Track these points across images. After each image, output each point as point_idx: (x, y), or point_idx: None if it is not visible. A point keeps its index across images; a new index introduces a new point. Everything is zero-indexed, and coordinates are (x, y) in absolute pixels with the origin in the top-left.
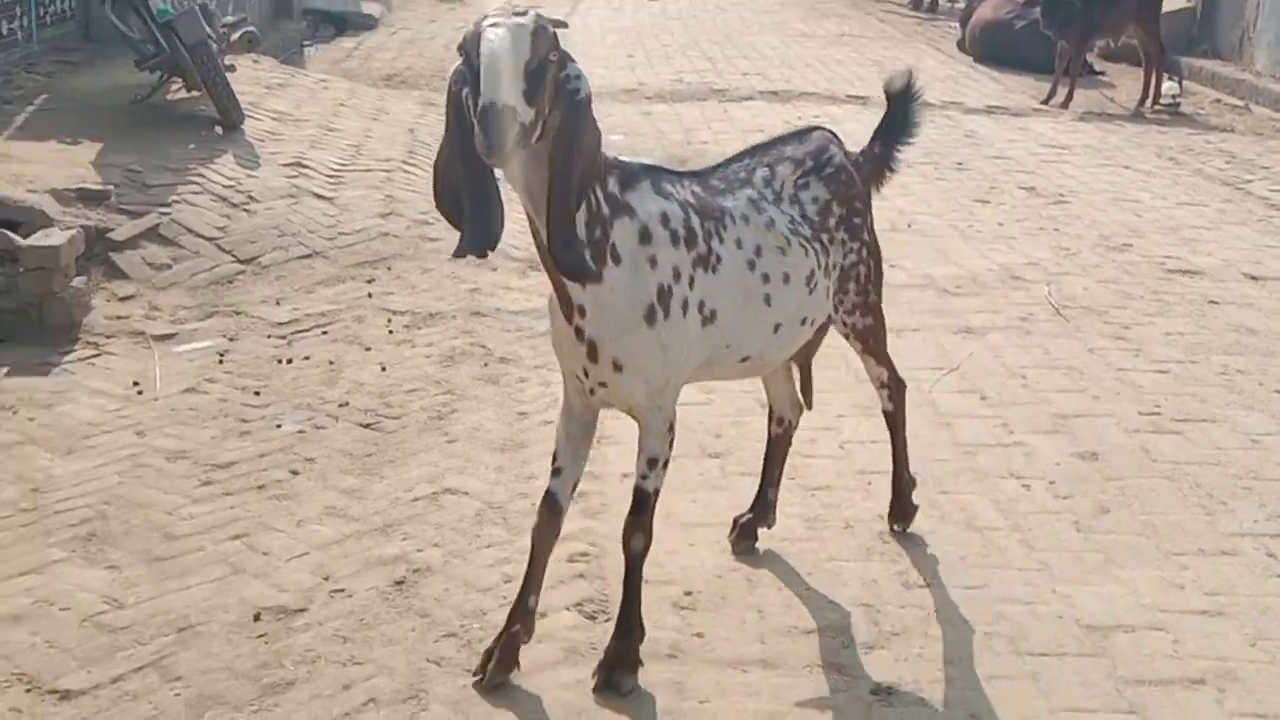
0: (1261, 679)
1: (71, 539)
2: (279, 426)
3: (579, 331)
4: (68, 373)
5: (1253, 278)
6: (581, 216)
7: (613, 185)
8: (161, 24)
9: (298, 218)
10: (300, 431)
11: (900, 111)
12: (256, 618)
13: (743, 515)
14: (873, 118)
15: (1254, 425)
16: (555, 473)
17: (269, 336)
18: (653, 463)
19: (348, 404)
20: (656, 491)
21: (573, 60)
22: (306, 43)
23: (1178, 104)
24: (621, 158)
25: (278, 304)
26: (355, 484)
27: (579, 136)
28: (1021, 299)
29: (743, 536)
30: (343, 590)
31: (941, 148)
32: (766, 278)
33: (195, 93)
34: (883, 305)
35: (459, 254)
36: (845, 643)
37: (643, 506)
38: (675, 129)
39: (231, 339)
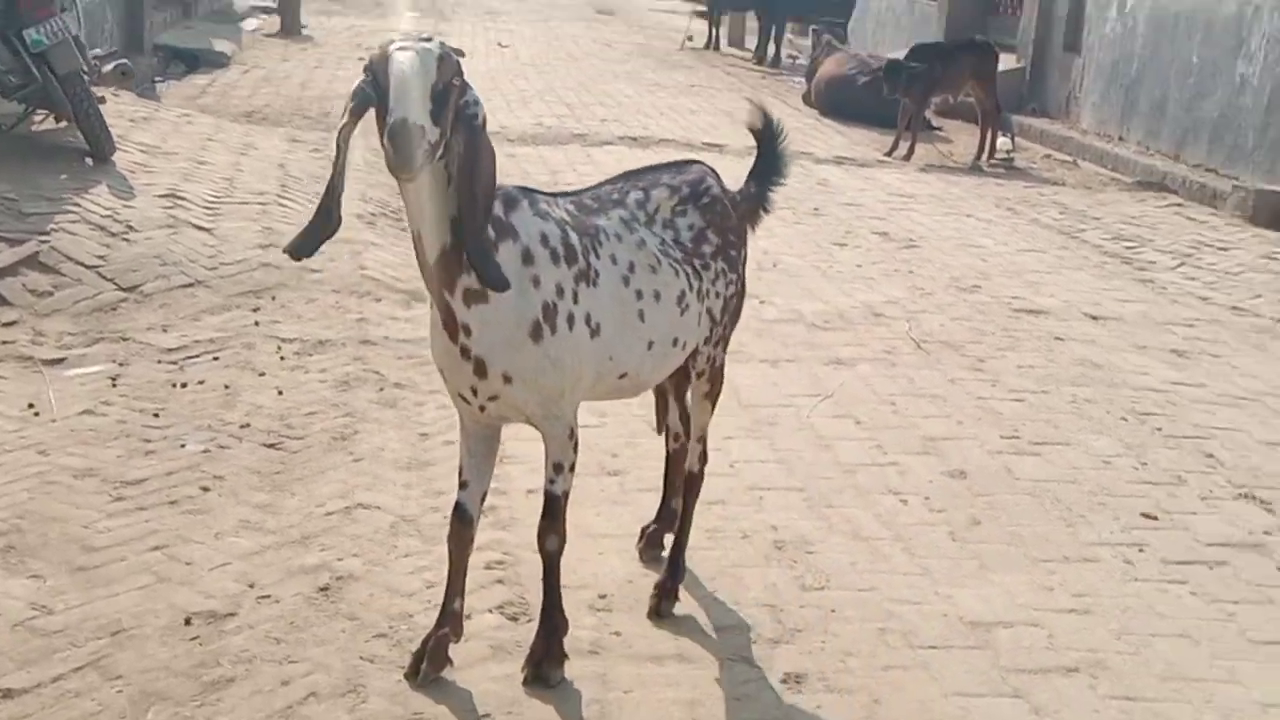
0: (1128, 668)
1: None
2: (183, 446)
3: (465, 350)
4: None
5: (1093, 317)
6: (446, 224)
7: (497, 208)
8: (34, 54)
9: (178, 247)
10: (205, 451)
11: (768, 152)
12: (188, 621)
13: (649, 525)
14: (730, 164)
15: (1104, 448)
16: (462, 485)
17: (159, 362)
18: (558, 467)
19: (249, 425)
20: (565, 494)
21: (471, 87)
22: (158, 79)
23: (1012, 159)
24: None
25: (164, 331)
26: (267, 499)
27: (480, 158)
28: (884, 334)
29: (650, 545)
30: (269, 596)
31: (798, 194)
32: (640, 294)
33: (62, 124)
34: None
35: (289, 250)
36: (753, 638)
37: (553, 509)
38: (540, 170)
39: (122, 364)
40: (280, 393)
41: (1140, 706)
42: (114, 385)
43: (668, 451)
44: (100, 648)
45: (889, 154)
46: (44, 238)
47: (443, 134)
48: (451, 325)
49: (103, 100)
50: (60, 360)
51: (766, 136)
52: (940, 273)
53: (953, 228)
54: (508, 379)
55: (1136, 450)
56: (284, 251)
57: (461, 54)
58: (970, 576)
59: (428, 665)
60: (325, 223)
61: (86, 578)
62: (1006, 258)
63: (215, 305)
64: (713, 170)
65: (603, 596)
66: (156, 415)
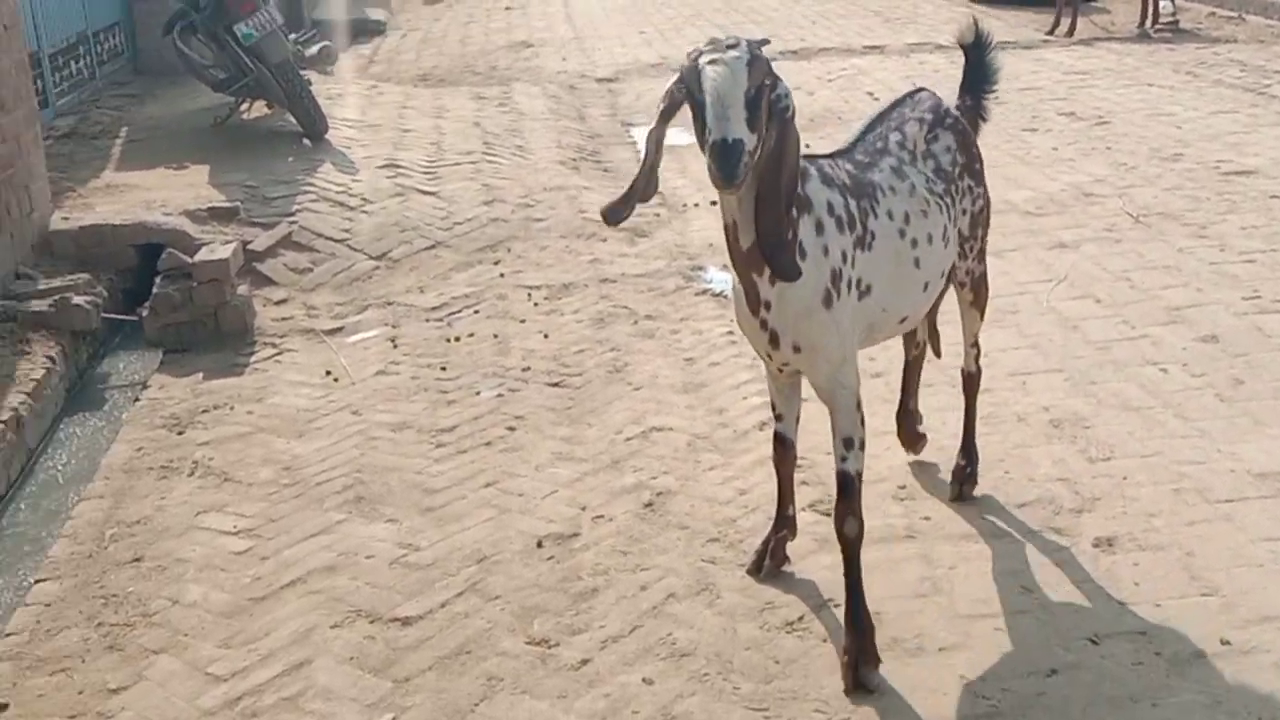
0: None
1: (343, 503)
2: (478, 394)
3: (764, 323)
4: (260, 370)
5: None
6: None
7: (799, 185)
8: (246, 48)
9: (412, 213)
10: (499, 395)
11: (979, 61)
12: (539, 544)
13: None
14: (894, 64)
15: None
16: (778, 418)
17: (428, 320)
18: (849, 443)
19: (530, 368)
20: (859, 474)
21: (780, 79)
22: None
23: (1177, 21)
24: None
25: (421, 292)
26: (569, 432)
27: (787, 150)
28: (1100, 212)
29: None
30: (603, 516)
31: None
32: (915, 243)
33: (269, 110)
34: None
35: (604, 217)
36: (1056, 510)
37: (848, 490)
38: None
39: (395, 326)
40: (546, 336)
41: None
42: (395, 346)
43: (907, 359)
44: (472, 574)
45: (1051, 33)
46: (291, 219)
47: (759, 138)
48: (754, 301)
49: (310, 83)
50: (339, 329)
51: (976, 47)
52: (1139, 145)
53: (1138, 99)
54: (797, 349)
55: None
56: (601, 215)
57: (766, 42)
58: (1247, 432)
59: (770, 562)
60: (640, 193)
61: (436, 516)
62: (1201, 122)
63: (459, 263)
64: (933, 93)
65: (902, 487)
66: (444, 368)
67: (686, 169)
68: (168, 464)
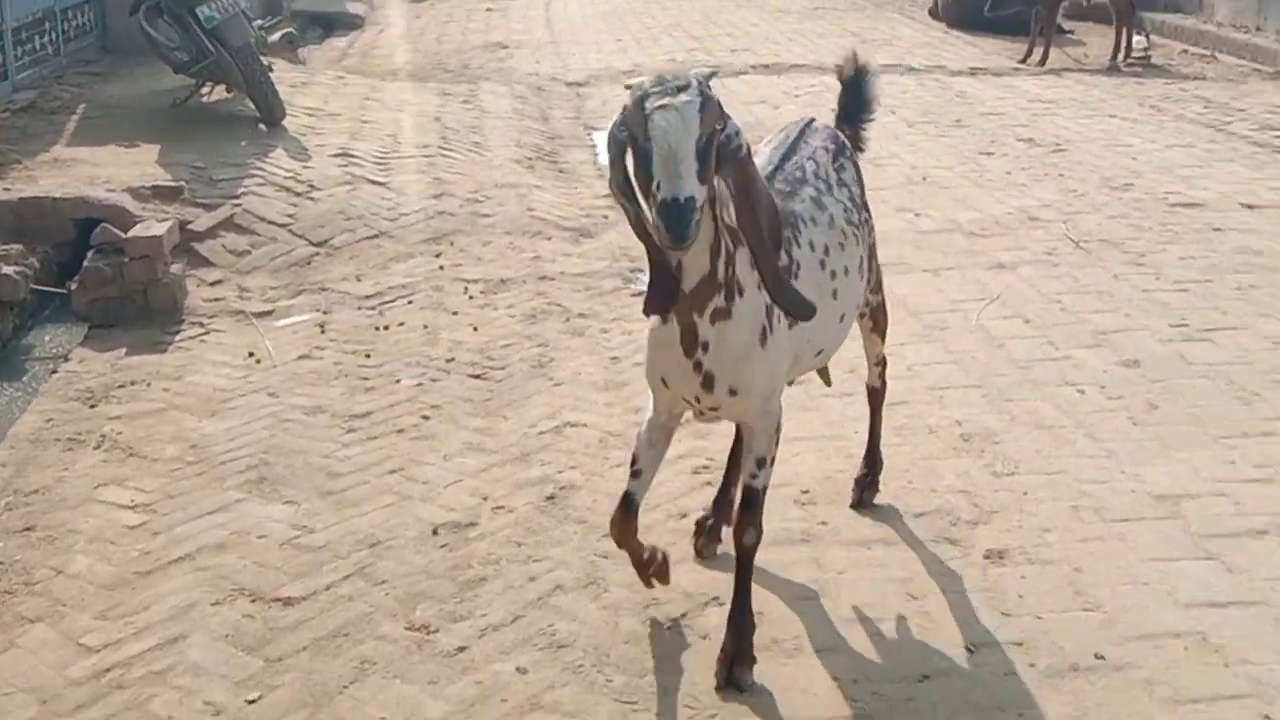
0: None
1: (244, 483)
2: (398, 381)
3: (698, 365)
4: (184, 349)
5: (1249, 206)
6: (706, 253)
7: (727, 215)
8: (208, 30)
9: (358, 202)
10: (419, 384)
11: (859, 92)
12: (435, 532)
13: (705, 517)
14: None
15: (1273, 330)
16: (635, 474)
17: (359, 308)
18: (761, 462)
19: (454, 359)
20: (765, 489)
21: (729, 117)
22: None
23: (1149, 56)
24: None
25: (358, 280)
26: (483, 424)
27: (754, 190)
28: (1042, 236)
29: (709, 539)
30: (503, 507)
31: (937, 108)
32: (834, 274)
33: (231, 94)
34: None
35: (648, 311)
36: (953, 521)
37: (754, 503)
38: None
39: (326, 312)
40: (475, 329)
41: None
42: (323, 332)
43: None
44: (362, 558)
45: (1023, 61)
46: (236, 201)
47: (710, 186)
48: (690, 343)
49: (271, 69)
50: (269, 312)
51: (857, 78)
52: (1091, 174)
53: (1099, 129)
54: (733, 391)
55: None
56: (645, 314)
57: (714, 74)
58: (1154, 455)
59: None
60: (656, 253)
61: (336, 500)
62: (1156, 154)
63: (400, 253)
64: (826, 124)
65: (805, 492)
66: (368, 356)
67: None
68: (75, 436)
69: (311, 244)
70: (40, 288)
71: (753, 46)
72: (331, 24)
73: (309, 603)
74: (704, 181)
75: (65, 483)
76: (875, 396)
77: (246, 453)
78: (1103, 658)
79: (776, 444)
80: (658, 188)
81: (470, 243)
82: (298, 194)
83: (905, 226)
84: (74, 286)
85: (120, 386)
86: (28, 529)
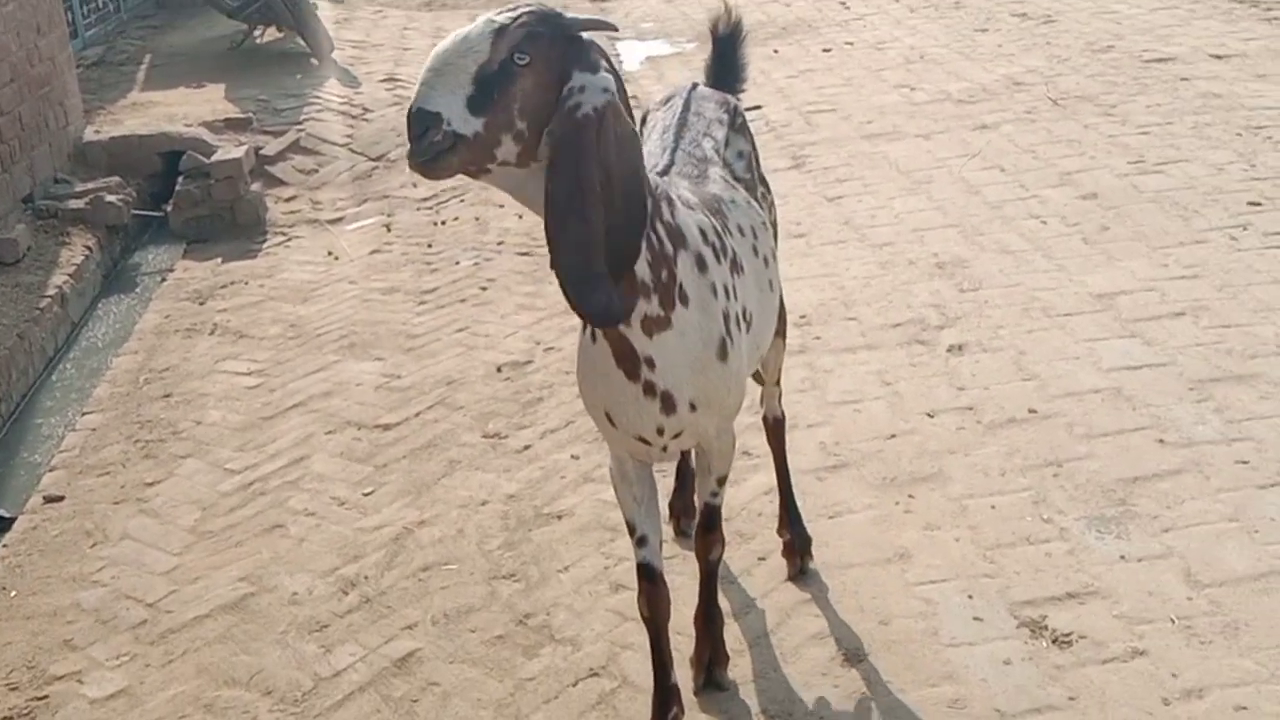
0: (1226, 308)
1: (338, 348)
2: (458, 263)
3: (649, 387)
4: (271, 254)
5: (1217, 57)
6: (645, 258)
7: (668, 213)
8: None
9: None
10: (475, 264)
11: (730, 55)
12: (499, 370)
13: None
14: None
15: (1219, 159)
16: (640, 542)
17: (418, 209)
18: (723, 480)
19: (504, 242)
20: (723, 504)
21: (589, 67)
22: None
23: None
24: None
25: (415, 186)
26: (532, 289)
27: (575, 161)
28: (1024, 98)
29: (685, 516)
30: (553, 348)
31: None
32: (765, 261)
33: (281, 34)
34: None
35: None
36: (923, 328)
37: (714, 520)
38: (697, 9)
39: (389, 215)
40: (520, 217)
41: (1233, 330)
42: (389, 230)
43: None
44: (442, 393)
45: None
46: (299, 127)
47: (500, 128)
48: (629, 361)
49: (316, 7)
50: (340, 219)
51: (729, 39)
52: (1076, 40)
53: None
54: (693, 406)
55: (1248, 157)
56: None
57: (602, 26)
58: (1100, 266)
59: None
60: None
61: (416, 354)
62: (1140, 18)
63: None
64: (713, 89)
65: (803, 316)
66: (430, 245)
67: (663, 76)
68: (191, 327)
69: (370, 159)
70: (140, 212)
71: None
72: None
73: (403, 426)
74: (479, 112)
75: (190, 361)
76: (778, 429)
77: (337, 326)
78: (1035, 411)
79: (731, 460)
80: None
81: None
82: (353, 117)
83: (900, 100)
84: (169, 209)
85: (223, 286)
86: (166, 395)
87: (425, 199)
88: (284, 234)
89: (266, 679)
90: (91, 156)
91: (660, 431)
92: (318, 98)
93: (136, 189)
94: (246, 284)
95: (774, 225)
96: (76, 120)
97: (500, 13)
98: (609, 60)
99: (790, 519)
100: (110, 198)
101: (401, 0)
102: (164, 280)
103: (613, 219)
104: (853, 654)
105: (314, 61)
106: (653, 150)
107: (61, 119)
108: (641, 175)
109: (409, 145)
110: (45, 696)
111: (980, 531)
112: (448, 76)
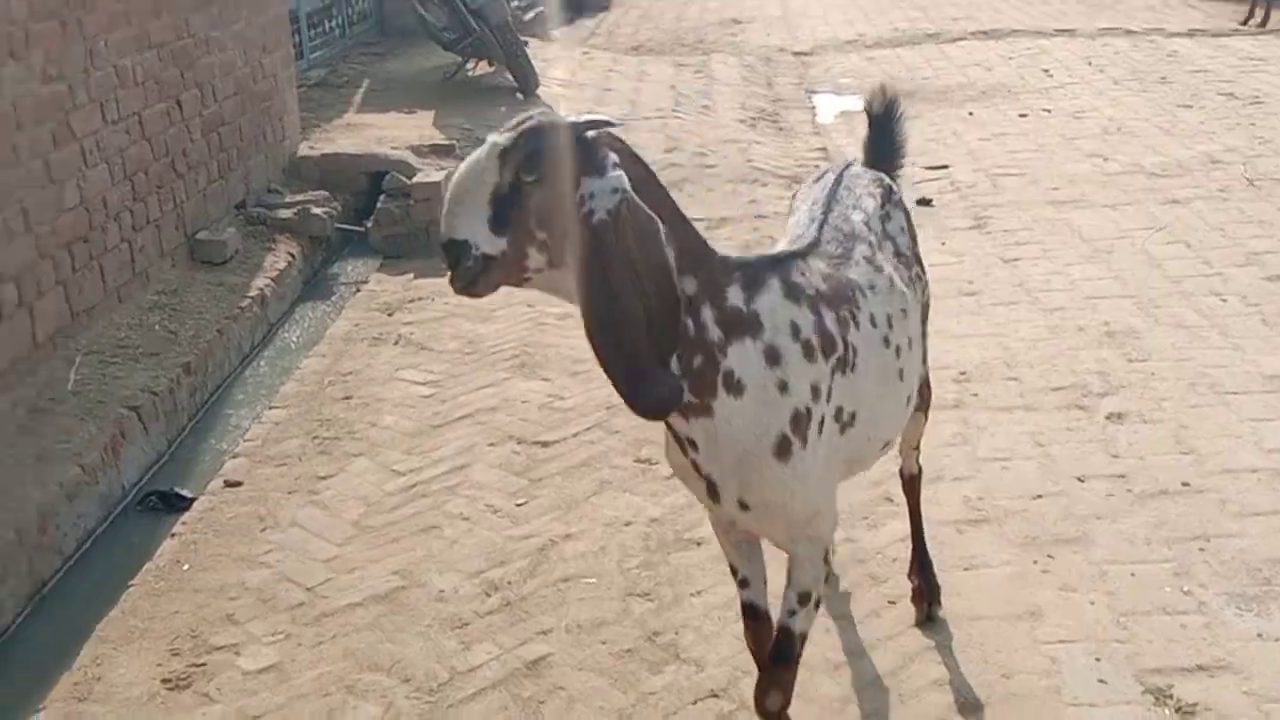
0: None
1: (509, 366)
2: None
3: (695, 466)
4: None
5: None
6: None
7: (734, 296)
8: (472, 10)
9: None
10: None
11: (889, 133)
12: None
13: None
14: (1078, 45)
15: None
16: (742, 584)
17: None
18: (804, 598)
19: None
20: (804, 636)
21: (596, 171)
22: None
23: None
24: (746, 256)
25: None
26: None
27: (601, 266)
28: (1220, 177)
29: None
30: None
31: (1145, 66)
32: (898, 350)
33: (492, 68)
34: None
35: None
36: (1084, 394)
37: (788, 650)
38: (898, 69)
39: None
40: None
41: None
42: None
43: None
44: (601, 416)
45: (1244, 22)
46: None
47: (524, 242)
48: (677, 437)
49: (526, 44)
50: None
51: (886, 118)
52: None
53: None
54: (744, 506)
55: None
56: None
57: (605, 124)
58: (1277, 349)
59: None
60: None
61: (581, 378)
62: None
63: None
64: (864, 166)
65: (963, 373)
66: None
67: (854, 130)
68: (377, 336)
69: None
70: (342, 226)
71: (974, 14)
72: (581, 6)
73: (561, 445)
74: (501, 232)
75: (372, 367)
76: (913, 484)
77: (510, 346)
78: (1188, 485)
79: (826, 577)
80: None
81: (696, 189)
82: None
83: (1093, 170)
84: (370, 225)
85: (411, 301)
86: (347, 397)
87: None
88: None
89: (406, 667)
90: (304, 170)
91: (715, 505)
92: None
93: (342, 204)
94: (433, 300)
95: (925, 306)
96: (293, 135)
97: (503, 132)
98: (618, 151)
99: (920, 565)
100: (317, 210)
101: (610, 44)
102: (358, 291)
103: (648, 311)
104: (971, 704)
105: (520, 95)
106: (800, 222)
107: (279, 133)
108: (665, 264)
109: (448, 272)
110: (204, 664)
111: (1117, 597)
112: (467, 204)
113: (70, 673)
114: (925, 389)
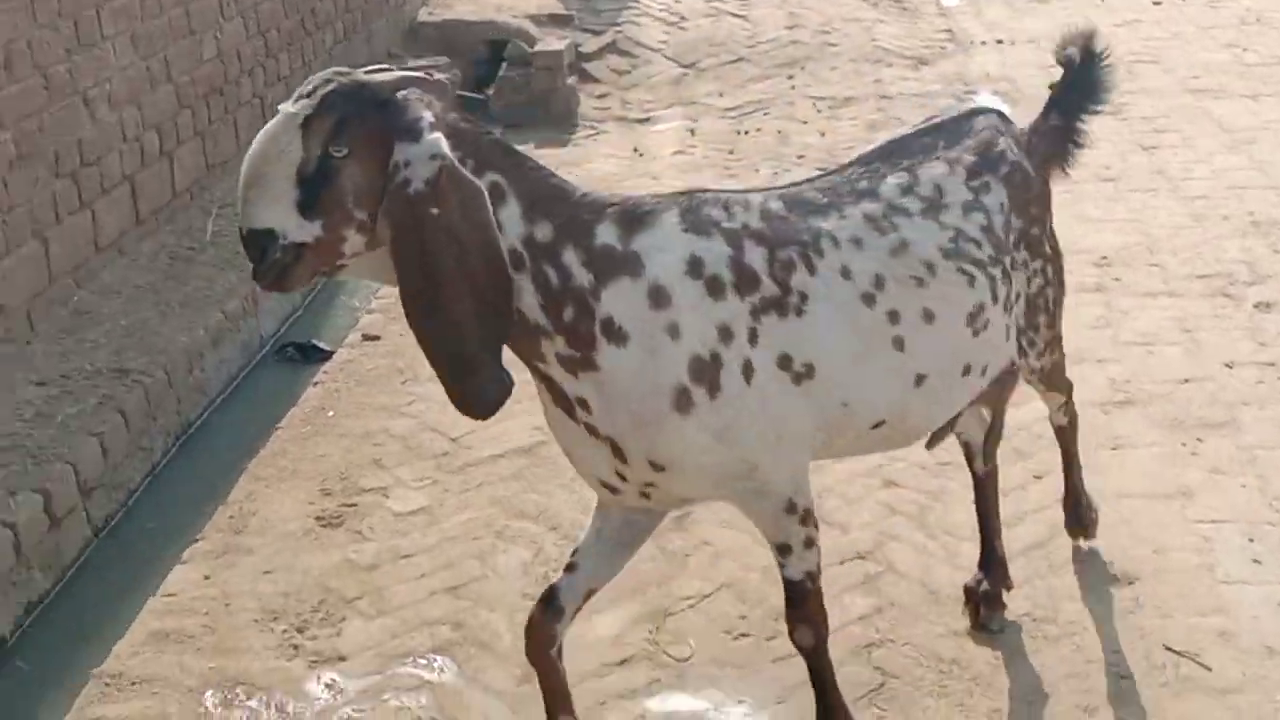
0: None
1: None
2: (757, 171)
3: (591, 429)
4: (580, 145)
5: None
6: (535, 299)
7: (606, 235)
8: None
9: (721, 31)
10: (774, 173)
11: (1084, 77)
12: None
13: (976, 583)
14: (1197, 11)
15: None
16: (568, 568)
17: (722, 117)
18: (783, 549)
19: (804, 156)
20: (810, 575)
21: (410, 135)
22: None
23: None
24: (630, 194)
25: (721, 95)
26: None
27: (419, 242)
28: None
29: (989, 608)
30: None
31: None
32: (894, 316)
33: None
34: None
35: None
36: (1231, 282)
37: (796, 595)
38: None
39: (694, 120)
40: (823, 134)
41: None
42: (693, 134)
43: (974, 479)
44: None
45: None
46: (618, 28)
47: (339, 223)
48: (563, 399)
49: None
50: (647, 119)
51: (1085, 68)
52: None
53: None
54: (656, 466)
55: None
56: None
57: (407, 84)
58: None
59: None
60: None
61: None
62: None
63: (757, 75)
64: (1001, 116)
65: (1104, 257)
66: (731, 152)
67: (981, 13)
68: None
69: (681, 65)
70: (463, 94)
71: None
72: None
73: None
74: (312, 215)
75: None
76: (1064, 433)
77: None
78: None
79: (802, 523)
80: None
81: (819, 68)
82: (670, 24)
83: (1230, 59)
84: (491, 92)
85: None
86: None
87: (730, 108)
88: (593, 128)
89: (552, 516)
90: (424, 35)
91: (624, 477)
92: (638, 3)
93: (462, 69)
94: (556, 169)
95: (1032, 301)
96: (412, 1)
97: (297, 99)
98: (435, 105)
99: (1073, 501)
100: (438, 75)
101: None
102: None
103: (475, 290)
104: (1124, 575)
105: None
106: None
107: None
108: (493, 237)
109: (251, 268)
110: (355, 504)
111: (1269, 481)
112: (267, 187)
113: (225, 506)
114: (1057, 377)
